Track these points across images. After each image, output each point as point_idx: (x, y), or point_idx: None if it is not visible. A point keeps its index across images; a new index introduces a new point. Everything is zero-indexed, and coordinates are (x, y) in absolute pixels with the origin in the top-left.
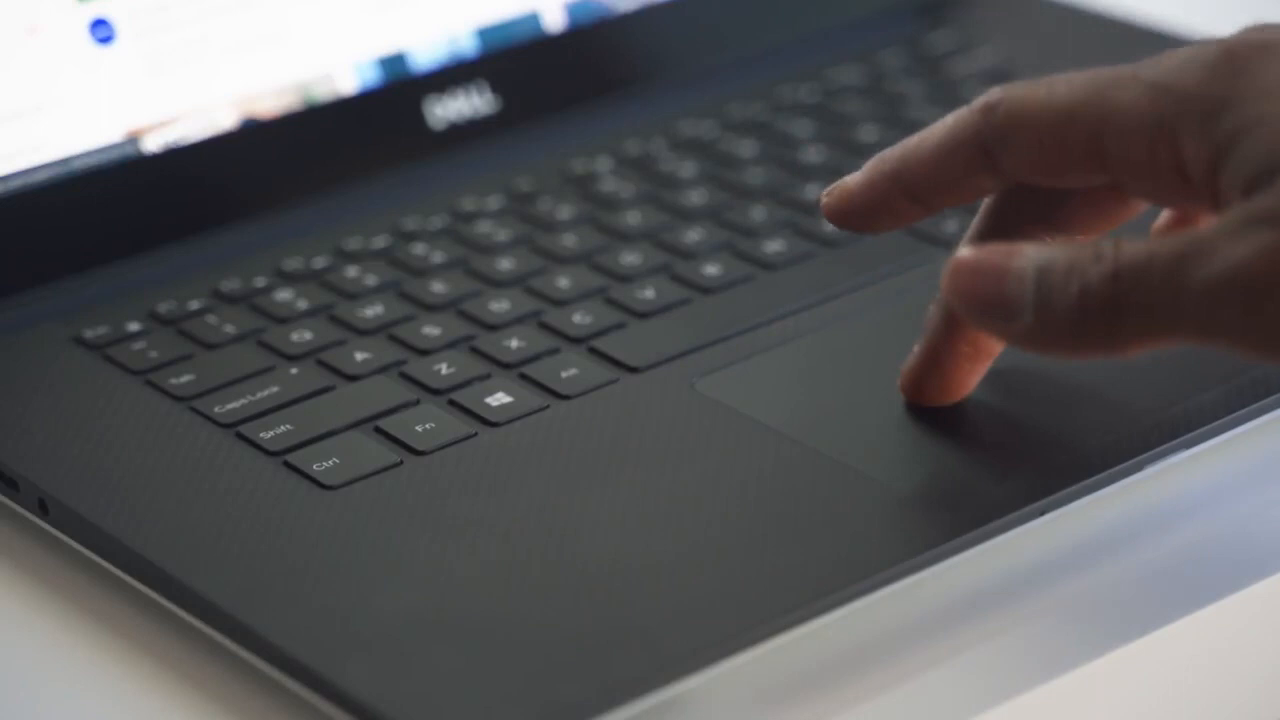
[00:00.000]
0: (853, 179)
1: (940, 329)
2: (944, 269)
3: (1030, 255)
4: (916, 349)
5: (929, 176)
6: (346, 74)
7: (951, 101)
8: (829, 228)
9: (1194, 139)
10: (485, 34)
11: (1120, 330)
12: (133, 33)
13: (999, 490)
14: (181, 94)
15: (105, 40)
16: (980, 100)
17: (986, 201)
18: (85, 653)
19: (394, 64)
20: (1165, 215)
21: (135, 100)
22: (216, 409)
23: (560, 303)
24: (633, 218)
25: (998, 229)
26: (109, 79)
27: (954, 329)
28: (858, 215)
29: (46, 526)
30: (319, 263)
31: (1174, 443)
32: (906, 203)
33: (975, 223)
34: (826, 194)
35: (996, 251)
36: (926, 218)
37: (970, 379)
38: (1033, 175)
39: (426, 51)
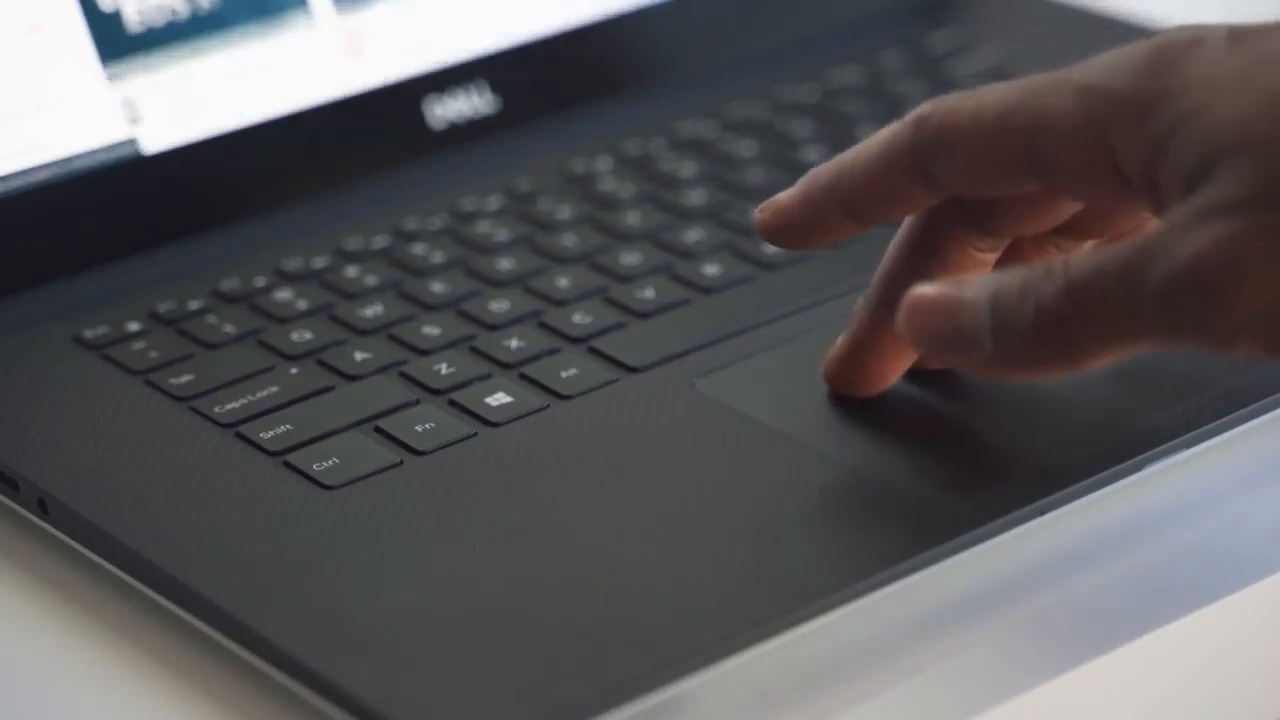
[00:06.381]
0: (787, 196)
1: (868, 324)
2: (899, 308)
3: (981, 284)
4: (842, 340)
5: (864, 191)
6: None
7: None
8: None
9: (1128, 138)
10: (485, 34)
11: (1080, 344)
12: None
13: (1000, 489)
14: (181, 93)
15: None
16: (912, 114)
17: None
18: (85, 653)
19: (393, 63)
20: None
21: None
22: (216, 409)
23: (560, 303)
24: (633, 218)
25: (928, 235)
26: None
27: (881, 325)
28: (794, 232)
29: (46, 526)
30: (319, 263)
31: (1174, 443)
32: (843, 218)
33: (903, 231)
34: (760, 210)
35: (948, 285)
36: (863, 232)
37: (894, 373)
38: (968, 186)
39: (426, 51)
